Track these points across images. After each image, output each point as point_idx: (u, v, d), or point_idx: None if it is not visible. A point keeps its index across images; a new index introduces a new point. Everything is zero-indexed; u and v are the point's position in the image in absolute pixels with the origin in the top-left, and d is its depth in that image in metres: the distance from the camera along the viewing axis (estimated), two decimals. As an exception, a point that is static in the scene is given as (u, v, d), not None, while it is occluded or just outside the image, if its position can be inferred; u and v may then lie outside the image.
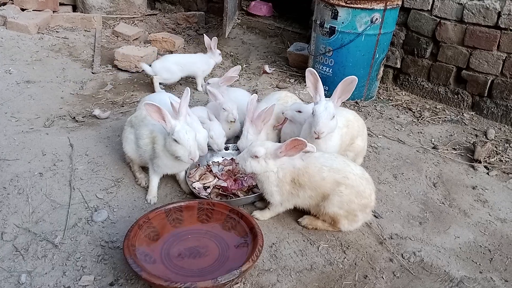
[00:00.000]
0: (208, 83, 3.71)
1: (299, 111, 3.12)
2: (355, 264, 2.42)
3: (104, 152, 3.27)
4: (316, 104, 2.73)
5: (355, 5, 4.04)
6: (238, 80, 3.89)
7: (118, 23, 6.22)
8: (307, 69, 2.80)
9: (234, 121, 3.34)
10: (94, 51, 5.31)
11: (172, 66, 4.38)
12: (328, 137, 2.76)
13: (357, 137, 3.05)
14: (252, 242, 2.29)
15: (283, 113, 3.20)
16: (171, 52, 5.58)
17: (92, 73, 4.80)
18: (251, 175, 2.70)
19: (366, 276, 2.34)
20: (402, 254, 2.53)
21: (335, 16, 4.17)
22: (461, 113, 4.44)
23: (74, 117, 3.79)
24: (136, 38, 5.87)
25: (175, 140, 2.56)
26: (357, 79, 2.68)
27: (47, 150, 3.20)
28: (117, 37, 5.88)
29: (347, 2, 4.06)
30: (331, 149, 2.80)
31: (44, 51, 5.08)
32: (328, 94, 4.51)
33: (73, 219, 2.58)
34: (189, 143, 2.57)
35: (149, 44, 5.65)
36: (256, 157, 2.45)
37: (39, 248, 2.35)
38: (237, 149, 3.28)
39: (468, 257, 2.56)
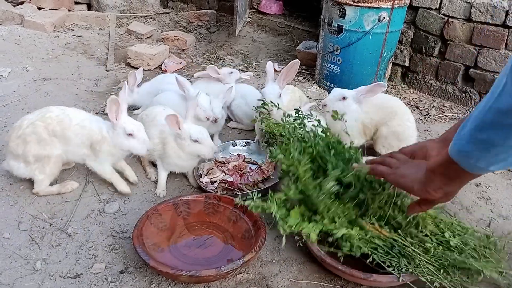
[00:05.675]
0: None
1: (344, 98, 2.98)
2: (356, 257, 2.49)
3: (116, 147, 3.39)
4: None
5: (363, 4, 4.09)
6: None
7: (131, 22, 6.35)
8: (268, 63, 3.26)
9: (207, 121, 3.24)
10: (108, 49, 5.44)
11: None
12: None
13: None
14: (255, 235, 2.38)
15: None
16: (183, 50, 5.70)
17: (106, 70, 4.93)
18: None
19: (366, 268, 2.41)
20: (402, 249, 2.59)
21: (342, 14, 4.22)
22: (468, 111, 4.45)
23: (88, 113, 3.93)
24: (149, 37, 5.99)
25: (196, 141, 2.74)
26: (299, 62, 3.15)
27: (62, 144, 3.32)
28: (131, 35, 6.01)
29: (355, 1, 4.10)
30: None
31: (60, 49, 5.23)
32: (335, 92, 4.62)
33: (86, 211, 2.71)
34: (209, 140, 2.80)
35: (162, 42, 5.77)
36: (344, 98, 2.92)
37: (53, 237, 2.48)
38: (246, 144, 3.40)
39: (468, 253, 2.61)
